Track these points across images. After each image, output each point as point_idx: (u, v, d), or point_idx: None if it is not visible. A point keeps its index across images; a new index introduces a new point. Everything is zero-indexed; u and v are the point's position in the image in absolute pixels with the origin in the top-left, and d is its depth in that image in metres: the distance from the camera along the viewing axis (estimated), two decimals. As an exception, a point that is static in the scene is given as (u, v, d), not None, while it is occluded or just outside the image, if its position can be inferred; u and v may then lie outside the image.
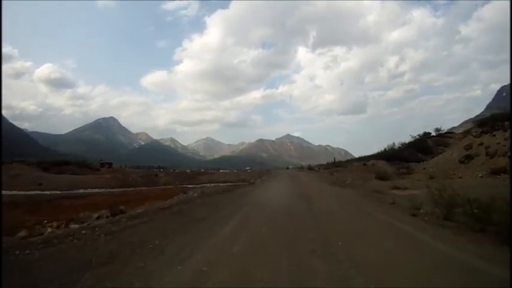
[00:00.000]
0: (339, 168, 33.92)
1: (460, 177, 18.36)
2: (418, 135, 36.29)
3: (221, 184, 26.40)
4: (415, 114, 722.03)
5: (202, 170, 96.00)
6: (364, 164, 29.71)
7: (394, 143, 35.37)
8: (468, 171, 18.74)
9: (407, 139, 35.44)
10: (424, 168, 22.60)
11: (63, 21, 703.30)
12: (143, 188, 27.08)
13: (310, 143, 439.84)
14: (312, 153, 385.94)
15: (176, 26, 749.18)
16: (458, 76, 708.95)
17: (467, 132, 25.68)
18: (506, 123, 20.02)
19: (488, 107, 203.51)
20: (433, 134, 35.51)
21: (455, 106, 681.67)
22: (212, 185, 26.52)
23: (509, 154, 17.51)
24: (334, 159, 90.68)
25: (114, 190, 24.96)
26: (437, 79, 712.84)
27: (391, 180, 20.01)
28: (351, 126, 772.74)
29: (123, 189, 25.87)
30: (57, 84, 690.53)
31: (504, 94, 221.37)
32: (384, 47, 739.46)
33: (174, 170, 73.36)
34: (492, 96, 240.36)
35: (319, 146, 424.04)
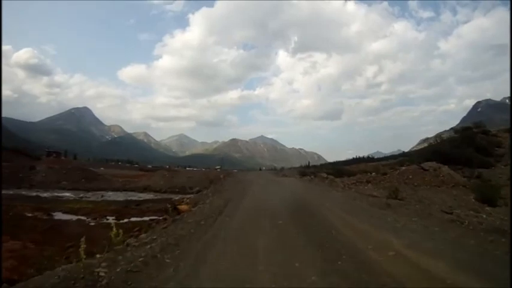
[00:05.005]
0: (371, 177, 17.31)
1: None
2: (457, 130, 29.94)
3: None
4: (390, 124, 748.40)
5: (167, 166, 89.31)
6: (423, 169, 16.51)
7: (441, 137, 27.95)
8: None
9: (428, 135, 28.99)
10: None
11: (46, 6, 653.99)
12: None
13: (284, 146, 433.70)
14: (285, 155, 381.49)
15: (160, 20, 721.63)
16: (435, 89, 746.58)
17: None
18: None
19: (463, 120, 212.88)
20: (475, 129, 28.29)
21: (430, 118, 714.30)
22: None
23: None
24: (309, 162, 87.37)
25: None
26: (414, 91, 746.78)
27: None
28: (325, 131, 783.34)
29: None
30: (35, 70, 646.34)
31: (479, 109, 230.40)
32: (364, 56, 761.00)
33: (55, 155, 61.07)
34: (467, 110, 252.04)
35: (293, 149, 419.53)
